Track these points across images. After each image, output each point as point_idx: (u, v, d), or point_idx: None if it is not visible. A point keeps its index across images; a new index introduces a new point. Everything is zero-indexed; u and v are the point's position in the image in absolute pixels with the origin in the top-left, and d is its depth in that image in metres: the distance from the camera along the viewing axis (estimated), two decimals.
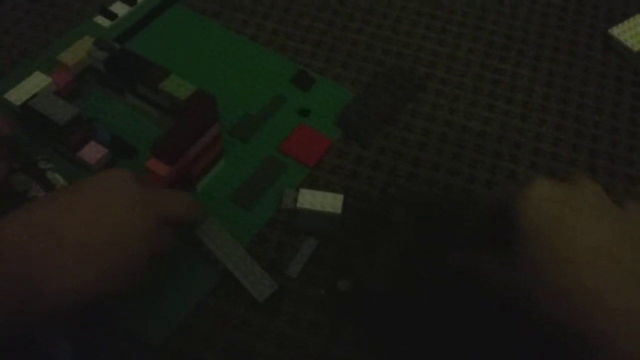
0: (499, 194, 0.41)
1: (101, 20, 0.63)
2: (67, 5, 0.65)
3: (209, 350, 0.44)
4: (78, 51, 0.55)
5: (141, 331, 0.45)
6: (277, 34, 0.64)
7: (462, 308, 0.46)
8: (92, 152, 0.51)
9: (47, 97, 0.50)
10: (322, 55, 0.63)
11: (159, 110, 0.53)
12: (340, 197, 0.49)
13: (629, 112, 0.61)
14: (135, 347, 0.44)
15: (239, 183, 0.53)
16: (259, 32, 0.64)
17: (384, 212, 0.51)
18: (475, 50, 0.65)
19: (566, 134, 0.59)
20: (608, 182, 0.56)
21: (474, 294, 0.44)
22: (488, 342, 0.45)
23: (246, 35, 0.64)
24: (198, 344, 0.45)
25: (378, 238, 0.50)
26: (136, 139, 0.54)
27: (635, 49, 0.64)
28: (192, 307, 0.46)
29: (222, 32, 0.64)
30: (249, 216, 0.51)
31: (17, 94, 0.50)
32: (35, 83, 0.51)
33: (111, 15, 0.63)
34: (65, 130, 0.49)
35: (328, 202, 0.49)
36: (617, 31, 0.65)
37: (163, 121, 0.54)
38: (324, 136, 0.56)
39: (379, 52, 0.64)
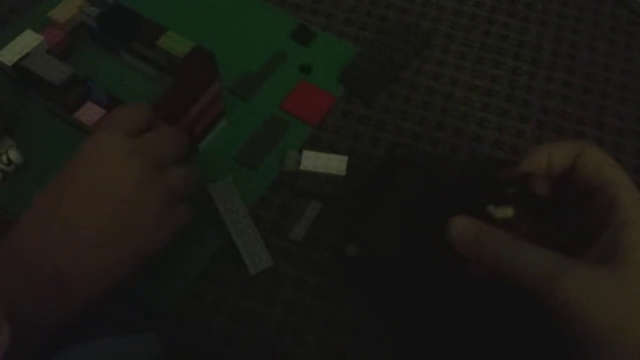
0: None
1: None
2: None
3: (216, 317, 0.44)
4: (69, 7, 0.52)
5: (148, 297, 0.44)
6: None
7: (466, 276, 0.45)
8: (89, 113, 0.49)
9: (40, 56, 0.48)
10: (324, 11, 0.60)
11: (155, 68, 0.52)
12: (344, 159, 0.48)
13: (638, 67, 0.59)
14: (140, 315, 0.43)
15: (241, 143, 0.51)
16: None
17: (390, 173, 0.50)
18: (482, 4, 0.63)
19: (574, 91, 0.57)
20: (616, 141, 0.54)
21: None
22: (493, 311, 0.45)
23: None
24: (204, 310, 0.44)
25: (383, 200, 0.48)
26: (133, 98, 0.53)
27: None
28: (199, 271, 0.46)
29: None
30: (254, 176, 0.50)
31: (9, 54, 0.48)
32: (26, 42, 0.49)
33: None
34: (60, 90, 0.48)
35: (332, 164, 0.48)
36: None
37: (160, 79, 0.52)
38: (327, 93, 0.54)
39: (382, 6, 0.61)
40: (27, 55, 0.49)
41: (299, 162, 0.49)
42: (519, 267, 0.33)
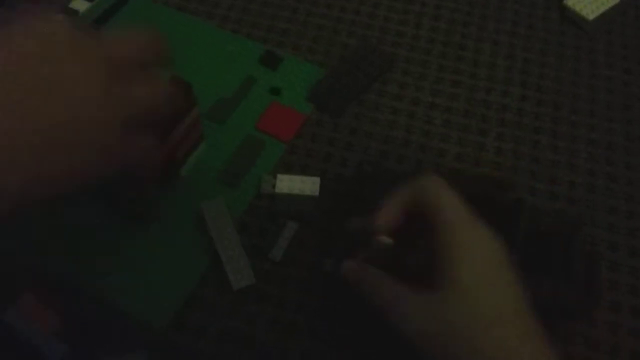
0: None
1: (78, 4, 0.64)
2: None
3: (203, 338, 0.46)
4: None
5: (141, 315, 0.46)
6: (242, 23, 0.65)
7: None
8: None
9: None
10: (289, 42, 0.64)
11: None
12: (317, 180, 0.51)
13: (587, 79, 0.63)
14: (131, 341, 0.45)
15: (222, 164, 0.54)
16: (223, 23, 0.65)
17: (358, 189, 0.52)
18: (437, 28, 0.67)
19: (529, 103, 0.61)
20: (570, 147, 0.58)
21: None
22: None
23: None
24: (190, 333, 0.46)
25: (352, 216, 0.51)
26: None
27: (590, 17, 0.66)
28: (195, 284, 0.48)
29: (187, 21, 0.64)
30: (235, 195, 0.53)
31: None
32: None
33: (72, 12, 0.63)
34: None
35: (306, 185, 0.51)
36: (571, 1, 0.68)
37: None
38: (297, 111, 0.58)
39: (344, 35, 0.65)
40: None
41: (274, 186, 0.51)
42: (377, 300, 0.39)
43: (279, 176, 0.51)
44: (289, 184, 0.51)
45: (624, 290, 0.50)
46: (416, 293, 0.37)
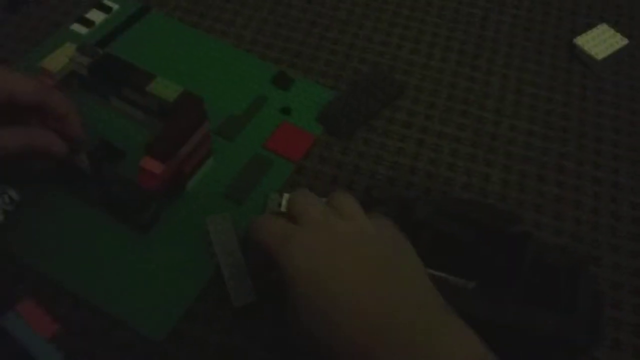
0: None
1: (78, 27, 0.64)
2: (45, 17, 0.65)
3: (200, 355, 0.45)
4: (61, 57, 0.55)
5: (140, 327, 0.46)
6: (256, 43, 0.65)
7: None
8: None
9: None
10: (301, 65, 0.64)
11: (145, 112, 0.54)
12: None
13: (594, 117, 0.64)
14: (129, 352, 0.44)
15: (228, 180, 0.54)
16: (238, 42, 0.65)
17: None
18: (448, 59, 0.67)
19: (536, 138, 0.62)
20: (575, 184, 0.58)
21: None
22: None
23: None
24: (188, 347, 0.45)
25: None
26: (123, 142, 0.55)
27: (599, 57, 0.67)
28: (195, 298, 0.47)
29: (201, 38, 0.65)
30: (241, 212, 0.52)
31: None
32: None
33: (88, 23, 0.64)
34: None
35: None
36: (581, 41, 0.69)
37: (150, 123, 0.55)
38: (307, 132, 0.58)
39: (356, 61, 0.66)
40: None
41: (280, 204, 0.51)
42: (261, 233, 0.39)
43: (286, 195, 0.51)
44: None
45: (626, 329, 0.50)
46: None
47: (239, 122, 0.58)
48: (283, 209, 0.50)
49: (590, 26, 0.71)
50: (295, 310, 0.36)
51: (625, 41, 0.69)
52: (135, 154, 0.53)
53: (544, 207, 0.56)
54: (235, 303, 0.47)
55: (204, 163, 0.54)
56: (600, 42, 0.69)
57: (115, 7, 0.66)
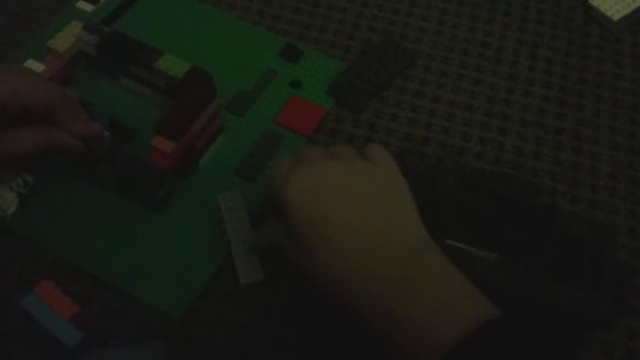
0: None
1: (83, 5, 0.63)
2: None
3: (216, 332, 0.46)
4: (68, 37, 0.55)
5: (158, 305, 0.46)
6: (264, 15, 0.64)
7: None
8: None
9: None
10: (310, 36, 0.63)
11: (154, 90, 0.54)
12: None
13: (611, 80, 0.63)
14: (148, 330, 0.45)
15: (240, 156, 0.54)
16: (245, 15, 0.64)
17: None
18: (460, 24, 0.66)
19: (551, 104, 0.60)
20: (593, 150, 0.57)
21: None
22: None
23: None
24: (205, 324, 0.46)
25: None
26: (133, 120, 0.55)
27: (615, 17, 0.65)
28: (211, 275, 0.48)
29: (207, 12, 0.64)
30: (253, 188, 0.52)
31: None
32: None
33: (93, 0, 0.63)
34: None
35: None
36: (597, 1, 0.67)
37: (159, 101, 0.55)
38: (318, 105, 0.57)
39: (366, 29, 0.64)
40: None
41: None
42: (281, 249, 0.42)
43: None
44: None
45: None
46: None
47: (248, 97, 0.57)
48: None
49: None
50: (296, 244, 0.40)
51: None
52: (146, 132, 0.53)
53: (560, 174, 0.56)
54: (242, 280, 0.47)
55: (215, 140, 0.54)
56: (617, 1, 0.67)
57: None
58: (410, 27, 0.65)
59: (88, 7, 0.63)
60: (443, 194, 0.46)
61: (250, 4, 0.65)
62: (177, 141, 0.47)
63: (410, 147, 0.56)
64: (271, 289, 0.48)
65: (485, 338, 0.33)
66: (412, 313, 0.35)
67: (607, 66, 0.64)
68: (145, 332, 0.45)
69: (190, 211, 0.51)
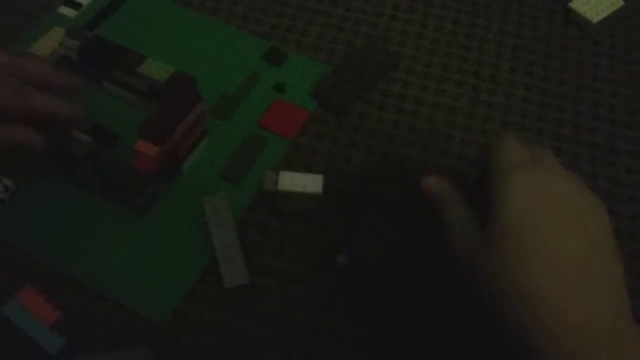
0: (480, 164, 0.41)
1: (66, 10, 0.63)
2: (33, 0, 0.64)
3: (203, 334, 0.45)
4: (50, 42, 0.54)
5: (142, 310, 0.46)
6: (247, 19, 0.65)
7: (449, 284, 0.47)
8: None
9: None
10: (293, 39, 0.63)
11: (137, 94, 0.54)
12: (320, 178, 0.50)
13: (590, 81, 0.64)
14: (132, 335, 0.45)
15: (224, 160, 0.54)
16: (229, 19, 0.64)
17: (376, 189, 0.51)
18: (442, 28, 0.67)
19: (532, 105, 0.61)
20: (573, 150, 0.58)
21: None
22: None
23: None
24: (190, 327, 0.46)
25: (368, 215, 0.51)
26: (116, 125, 0.55)
27: (595, 20, 0.66)
28: (196, 279, 0.48)
29: (191, 16, 0.64)
30: (237, 192, 0.52)
31: None
32: None
33: (75, 5, 0.63)
34: None
35: (308, 183, 0.50)
36: (576, 4, 0.68)
37: (142, 105, 0.54)
38: (302, 108, 0.57)
39: (349, 33, 0.65)
40: None
41: (276, 183, 0.51)
42: (446, 219, 0.39)
43: (282, 173, 0.51)
44: (291, 181, 0.51)
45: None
46: (478, 224, 0.37)
47: (232, 101, 0.57)
48: (279, 187, 0.50)
49: None
50: (495, 238, 0.35)
51: (621, 3, 0.68)
52: (130, 136, 0.53)
53: None
54: (227, 284, 0.47)
55: (200, 143, 0.54)
56: (596, 4, 0.68)
57: None
58: (394, 31, 0.66)
59: (71, 13, 0.63)
60: None
61: (234, 8, 0.65)
62: (161, 145, 0.47)
63: (394, 149, 0.57)
64: (257, 291, 0.48)
65: None
66: None
67: (587, 68, 0.65)
68: (130, 337, 0.45)
69: (174, 215, 0.51)
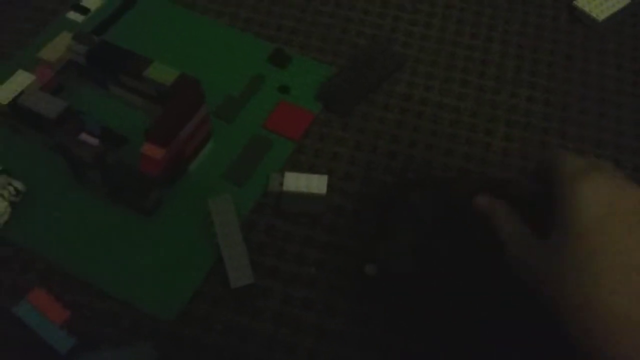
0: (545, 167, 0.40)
1: (74, 15, 0.64)
2: (42, 6, 0.65)
3: (207, 333, 0.46)
4: (58, 47, 0.55)
5: (149, 309, 0.47)
6: (251, 22, 0.65)
7: (479, 291, 0.47)
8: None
9: (34, 93, 0.51)
10: (297, 41, 0.64)
11: (143, 98, 0.55)
12: (324, 178, 0.51)
13: (596, 79, 0.63)
14: (139, 334, 0.46)
15: (229, 161, 0.55)
16: (233, 21, 0.65)
17: (402, 196, 0.49)
18: (447, 28, 0.67)
19: (537, 104, 0.61)
20: (578, 148, 0.58)
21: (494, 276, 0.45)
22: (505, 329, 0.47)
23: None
24: (195, 325, 0.46)
25: (397, 222, 0.49)
26: (123, 128, 0.56)
27: (600, 18, 0.66)
28: (202, 278, 0.48)
29: (196, 19, 0.65)
30: (242, 193, 0.53)
31: (3, 93, 0.51)
32: (19, 81, 0.52)
33: (83, 10, 0.64)
34: (56, 124, 0.51)
35: (313, 183, 0.51)
36: (581, 2, 0.68)
37: (148, 108, 0.55)
38: (306, 110, 0.58)
39: (354, 34, 0.65)
40: (22, 93, 0.51)
41: (281, 184, 0.52)
42: (503, 236, 0.39)
43: (287, 174, 0.52)
44: (296, 182, 0.51)
45: None
46: (537, 236, 0.37)
47: (237, 103, 0.58)
48: (284, 188, 0.51)
49: None
50: (564, 245, 0.35)
51: (627, 0, 0.68)
52: (137, 140, 0.54)
53: None
54: (232, 284, 0.47)
55: (205, 145, 0.54)
56: (601, 2, 0.67)
57: None
58: (398, 31, 0.66)
59: (78, 18, 0.64)
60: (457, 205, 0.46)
61: (238, 10, 0.66)
62: (166, 148, 0.48)
63: (398, 149, 0.57)
64: (262, 291, 0.48)
65: None
66: None
67: (592, 65, 0.65)
68: (137, 337, 0.45)
69: (180, 216, 0.51)
